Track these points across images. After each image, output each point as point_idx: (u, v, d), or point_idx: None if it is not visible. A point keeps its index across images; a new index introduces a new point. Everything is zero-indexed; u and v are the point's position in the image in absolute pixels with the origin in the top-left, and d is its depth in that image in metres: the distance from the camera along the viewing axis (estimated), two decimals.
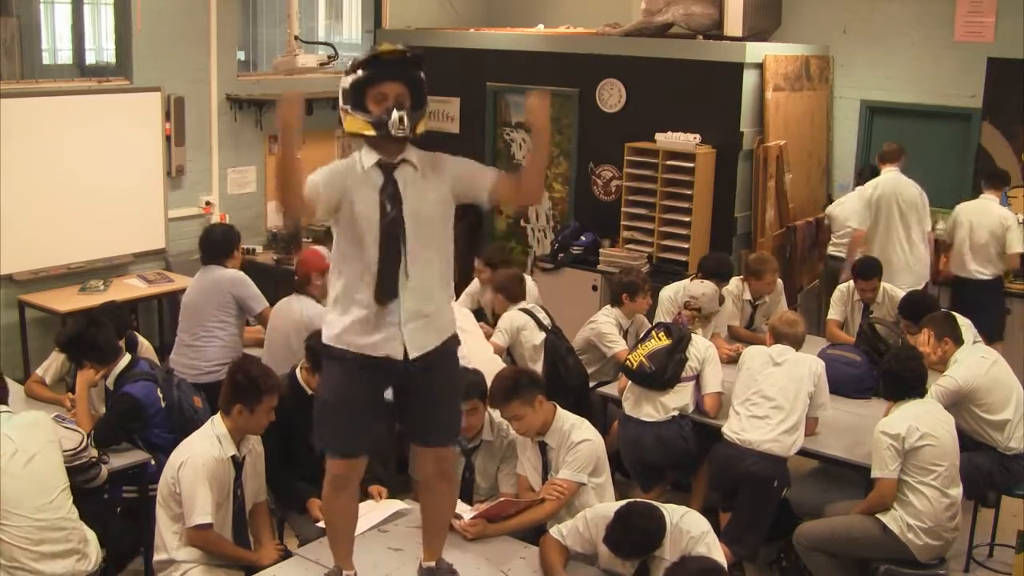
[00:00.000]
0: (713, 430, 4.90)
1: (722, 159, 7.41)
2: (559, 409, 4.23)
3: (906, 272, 6.90)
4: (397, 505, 4.15)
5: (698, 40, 7.67)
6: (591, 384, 5.70)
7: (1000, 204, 7.07)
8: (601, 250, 7.69)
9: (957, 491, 4.28)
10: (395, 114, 3.11)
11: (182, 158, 7.62)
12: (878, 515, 4.28)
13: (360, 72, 3.13)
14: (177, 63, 7.48)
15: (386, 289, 3.16)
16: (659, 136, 7.48)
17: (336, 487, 3.37)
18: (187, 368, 5.31)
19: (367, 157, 3.20)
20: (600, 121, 7.89)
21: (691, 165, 7.27)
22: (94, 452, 4.12)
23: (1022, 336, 7.01)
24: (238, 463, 3.89)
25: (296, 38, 7.52)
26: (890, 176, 7.06)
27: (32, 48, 7.25)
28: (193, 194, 7.80)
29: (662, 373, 4.95)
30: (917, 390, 4.39)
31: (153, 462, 4.38)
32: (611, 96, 7.84)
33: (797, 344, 4.91)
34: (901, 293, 6.00)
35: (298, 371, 4.52)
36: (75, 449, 3.97)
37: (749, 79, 7.35)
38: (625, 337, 5.72)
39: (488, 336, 5.58)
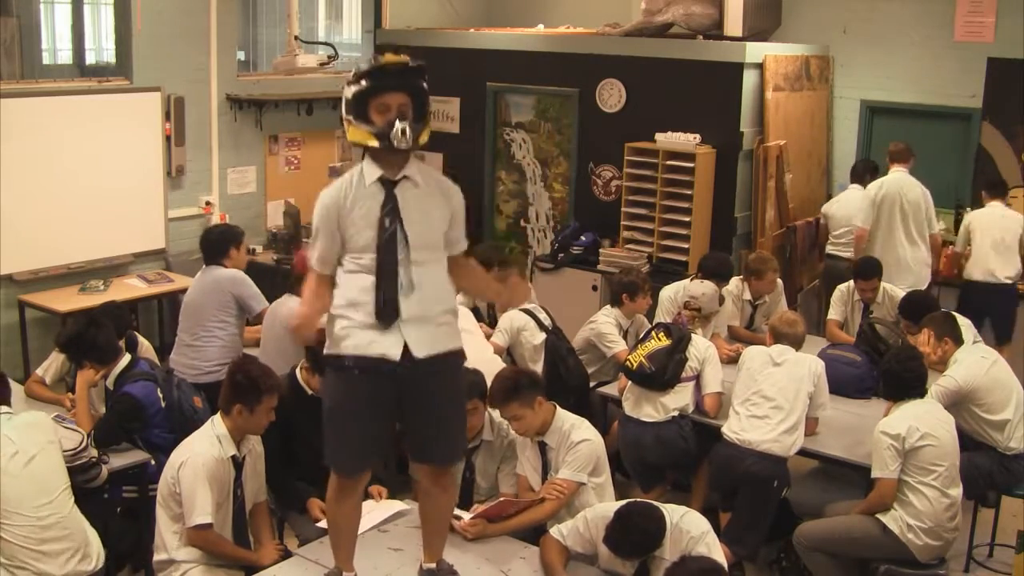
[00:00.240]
0: (713, 430, 4.90)
1: (722, 159, 7.41)
2: (559, 409, 4.23)
3: (907, 272, 6.89)
4: (397, 505, 4.15)
5: (698, 40, 7.67)
6: (591, 384, 5.70)
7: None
8: (601, 250, 7.69)
9: (957, 491, 4.28)
10: (398, 125, 3.11)
11: (182, 158, 7.63)
12: (878, 515, 4.28)
13: (363, 83, 3.13)
14: (177, 63, 7.48)
15: (387, 308, 3.16)
16: (659, 136, 7.48)
17: (341, 495, 3.37)
18: (187, 368, 5.31)
19: (369, 172, 3.21)
20: (600, 121, 7.89)
21: (691, 165, 7.27)
22: (94, 452, 4.12)
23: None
24: (238, 463, 3.89)
25: (296, 38, 7.52)
26: (896, 176, 7.06)
27: (32, 48, 7.25)
28: (193, 194, 7.80)
29: (662, 373, 4.95)
30: (917, 390, 4.39)
31: (153, 462, 4.38)
32: (611, 96, 7.84)
33: (797, 344, 4.91)
34: (901, 293, 6.00)
35: (298, 371, 4.52)
36: (75, 449, 3.97)
37: (749, 79, 7.35)
38: (625, 337, 5.72)
39: (488, 336, 5.58)
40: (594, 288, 7.57)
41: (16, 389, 4.65)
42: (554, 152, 8.29)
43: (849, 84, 8.21)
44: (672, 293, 5.97)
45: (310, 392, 4.38)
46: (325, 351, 3.29)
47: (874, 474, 4.28)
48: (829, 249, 7.57)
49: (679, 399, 4.99)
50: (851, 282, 6.22)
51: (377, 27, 9.07)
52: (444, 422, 3.36)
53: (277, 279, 6.94)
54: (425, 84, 3.21)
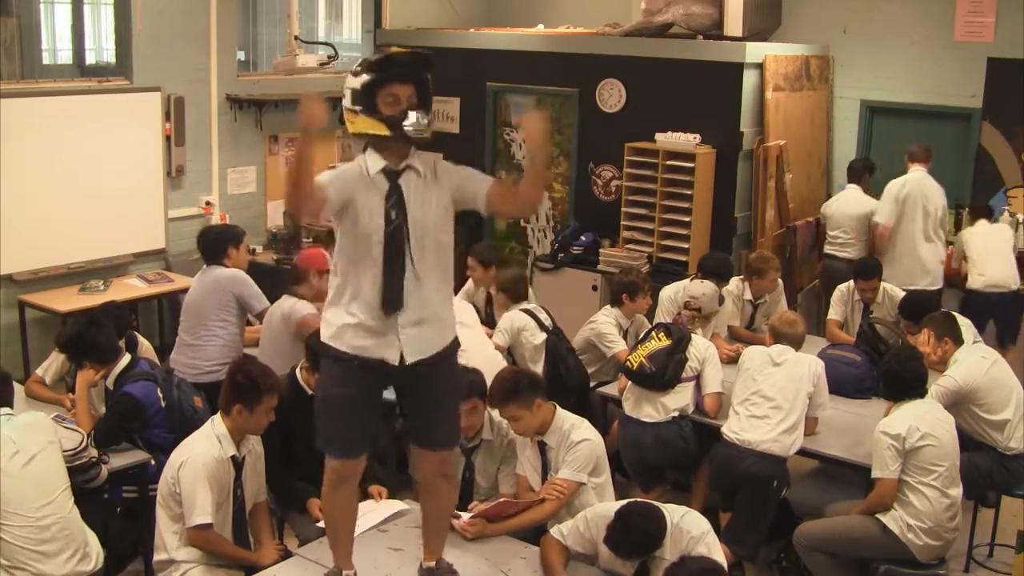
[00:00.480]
0: (713, 430, 4.90)
1: (722, 159, 7.41)
2: (559, 409, 4.23)
3: (926, 271, 6.94)
4: (397, 505, 4.15)
5: (698, 40, 7.67)
6: (591, 384, 5.70)
7: (993, 222, 7.13)
8: (601, 250, 7.69)
9: (957, 491, 4.28)
10: (413, 115, 3.12)
11: (182, 158, 7.63)
12: (878, 515, 4.28)
13: (371, 73, 3.13)
14: (177, 63, 7.48)
15: (392, 299, 3.17)
16: (659, 136, 7.48)
17: (335, 483, 3.38)
18: (187, 367, 5.31)
19: (372, 162, 3.21)
20: (600, 121, 7.89)
21: (691, 165, 7.27)
22: (94, 452, 4.12)
23: None
24: (238, 463, 3.89)
25: (296, 38, 7.52)
26: (918, 175, 7.10)
27: (32, 48, 7.24)
28: (193, 194, 7.80)
29: (662, 374, 4.95)
30: (917, 390, 4.39)
31: (153, 462, 4.38)
32: (611, 96, 7.84)
33: (797, 344, 4.91)
34: (901, 293, 6.01)
35: (298, 371, 4.53)
36: (75, 449, 3.97)
37: (749, 79, 7.35)
38: (625, 337, 5.72)
39: (487, 336, 5.58)
40: (594, 288, 7.57)
41: (16, 389, 4.64)
42: (554, 152, 8.29)
43: (849, 84, 8.21)
44: (672, 293, 5.97)
45: (310, 392, 4.38)
46: (322, 339, 3.29)
47: (874, 474, 4.27)
48: (827, 249, 7.57)
49: (679, 399, 4.99)
50: (851, 282, 6.23)
51: (377, 27, 9.07)
52: (442, 406, 3.39)
53: (277, 279, 6.94)
54: (430, 76, 3.22)
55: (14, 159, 6.55)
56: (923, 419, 4.25)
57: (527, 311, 5.62)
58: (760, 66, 7.41)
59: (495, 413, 4.30)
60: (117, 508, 4.50)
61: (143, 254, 7.46)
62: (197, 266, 5.76)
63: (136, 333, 5.15)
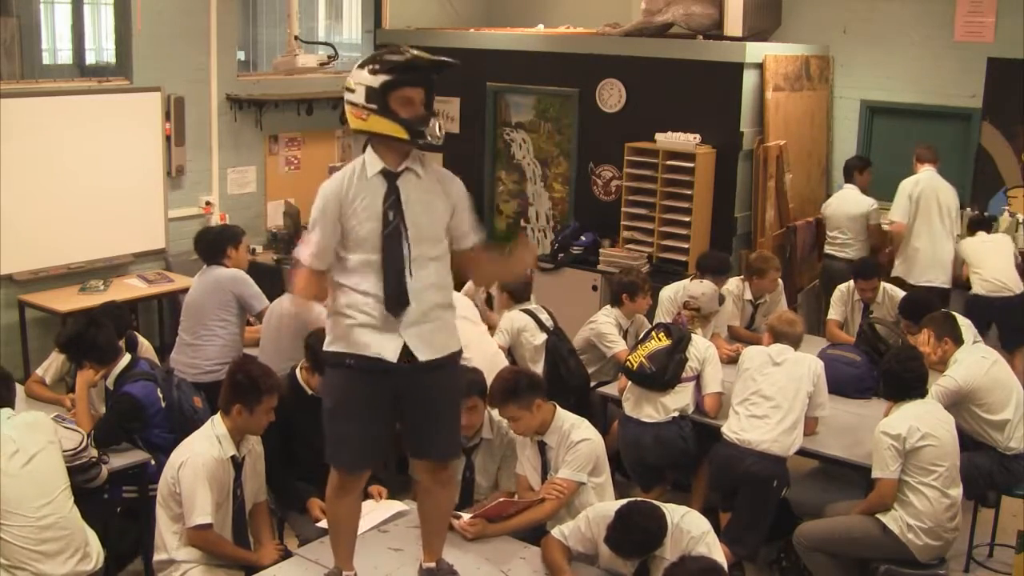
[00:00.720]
0: (713, 430, 4.90)
1: (722, 159, 7.41)
2: (558, 409, 4.23)
3: (939, 269, 6.95)
4: (397, 505, 4.15)
5: (698, 40, 7.67)
6: (591, 384, 5.70)
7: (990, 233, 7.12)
8: (601, 250, 7.69)
9: (957, 491, 4.28)
10: (434, 122, 3.13)
11: (182, 158, 7.62)
12: (878, 515, 4.28)
13: (394, 75, 3.12)
14: (177, 63, 7.48)
15: (395, 298, 3.17)
16: (659, 136, 7.48)
17: (341, 492, 3.38)
18: (187, 367, 5.31)
19: (371, 164, 3.20)
20: (600, 121, 7.89)
21: (691, 165, 7.26)
22: (94, 452, 4.12)
23: None
24: (238, 463, 3.89)
25: (296, 38, 7.52)
26: (930, 174, 7.11)
27: (32, 48, 7.24)
28: (193, 194, 7.80)
29: (662, 374, 4.95)
30: (918, 390, 4.39)
31: (153, 462, 4.38)
32: (611, 96, 7.84)
33: (795, 344, 4.91)
34: (901, 293, 6.02)
35: (298, 371, 4.52)
36: (75, 449, 3.97)
37: (749, 79, 7.35)
38: (625, 337, 5.72)
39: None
40: (594, 288, 7.57)
41: (16, 389, 4.65)
42: (554, 152, 8.29)
43: (849, 84, 8.20)
44: (672, 293, 5.97)
45: (310, 392, 4.38)
46: (325, 347, 3.29)
47: (874, 474, 4.27)
48: (827, 249, 7.57)
49: (679, 399, 4.99)
50: (851, 282, 6.23)
51: (377, 27, 9.06)
52: (442, 418, 3.38)
53: (277, 279, 6.94)
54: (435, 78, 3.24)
55: (14, 159, 6.55)
56: (923, 419, 4.25)
57: (528, 311, 5.61)
58: (760, 66, 7.41)
59: (495, 412, 4.30)
60: (117, 508, 4.49)
61: (143, 254, 7.46)
62: (197, 266, 5.76)
63: (136, 333, 5.16)
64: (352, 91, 3.17)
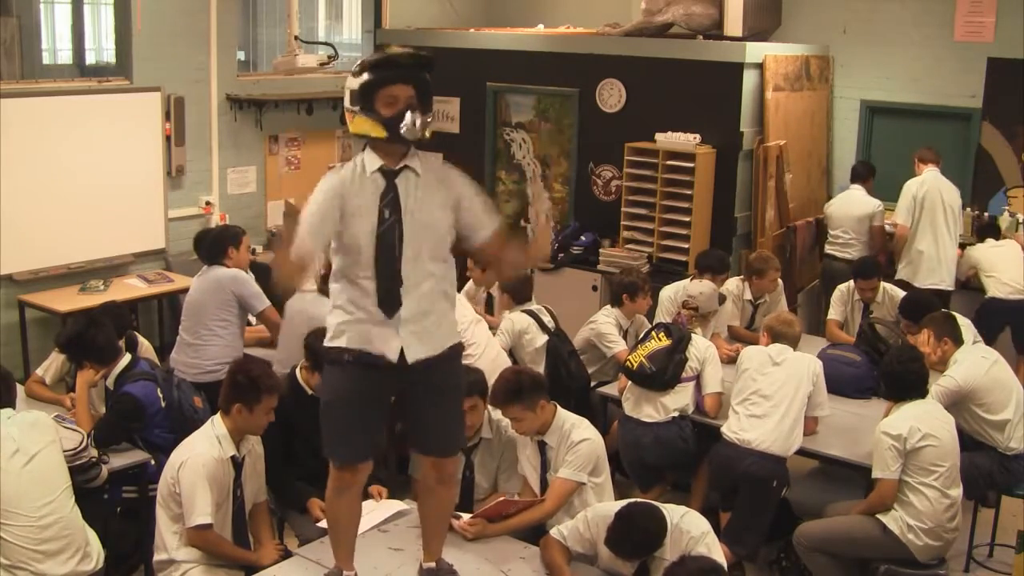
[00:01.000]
0: (713, 430, 4.90)
1: (722, 159, 7.41)
2: (559, 409, 4.23)
3: (943, 270, 6.95)
4: (397, 505, 4.15)
5: (698, 40, 7.67)
6: (591, 384, 5.70)
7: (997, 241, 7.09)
8: (601, 250, 7.69)
9: (957, 491, 4.28)
10: (409, 117, 3.12)
11: (182, 158, 7.62)
12: (878, 515, 4.28)
13: (371, 74, 3.13)
14: (177, 63, 7.48)
15: (388, 298, 3.16)
16: (659, 136, 7.48)
17: (340, 489, 3.38)
18: (188, 367, 5.31)
19: (369, 162, 3.21)
20: (600, 121, 7.89)
21: (691, 165, 7.26)
22: (94, 452, 4.12)
23: None
24: (238, 463, 3.89)
25: (296, 38, 7.53)
26: (934, 175, 7.12)
27: (32, 48, 7.25)
28: (193, 194, 7.80)
29: (662, 374, 4.95)
30: (918, 390, 4.39)
31: (153, 462, 4.38)
32: (611, 96, 7.84)
33: (794, 343, 4.91)
34: (901, 293, 6.01)
35: (298, 371, 4.52)
36: (75, 449, 3.97)
37: (749, 79, 7.35)
38: (625, 337, 5.71)
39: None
40: (594, 288, 7.56)
41: (16, 389, 4.65)
42: (554, 152, 8.29)
43: (849, 84, 8.20)
44: (672, 293, 5.97)
45: (310, 392, 4.38)
46: (324, 343, 3.29)
47: (875, 474, 4.27)
48: (828, 249, 7.57)
49: (679, 399, 4.99)
50: (851, 282, 6.22)
51: (377, 27, 9.07)
52: (444, 413, 3.38)
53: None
54: (430, 77, 3.22)
55: (14, 159, 6.55)
56: (924, 419, 4.25)
57: (530, 312, 5.61)
58: (760, 66, 7.41)
59: (495, 412, 4.30)
60: (117, 508, 4.50)
61: (143, 254, 7.46)
62: (197, 266, 5.76)
63: (136, 333, 5.15)
64: (344, 97, 3.21)
